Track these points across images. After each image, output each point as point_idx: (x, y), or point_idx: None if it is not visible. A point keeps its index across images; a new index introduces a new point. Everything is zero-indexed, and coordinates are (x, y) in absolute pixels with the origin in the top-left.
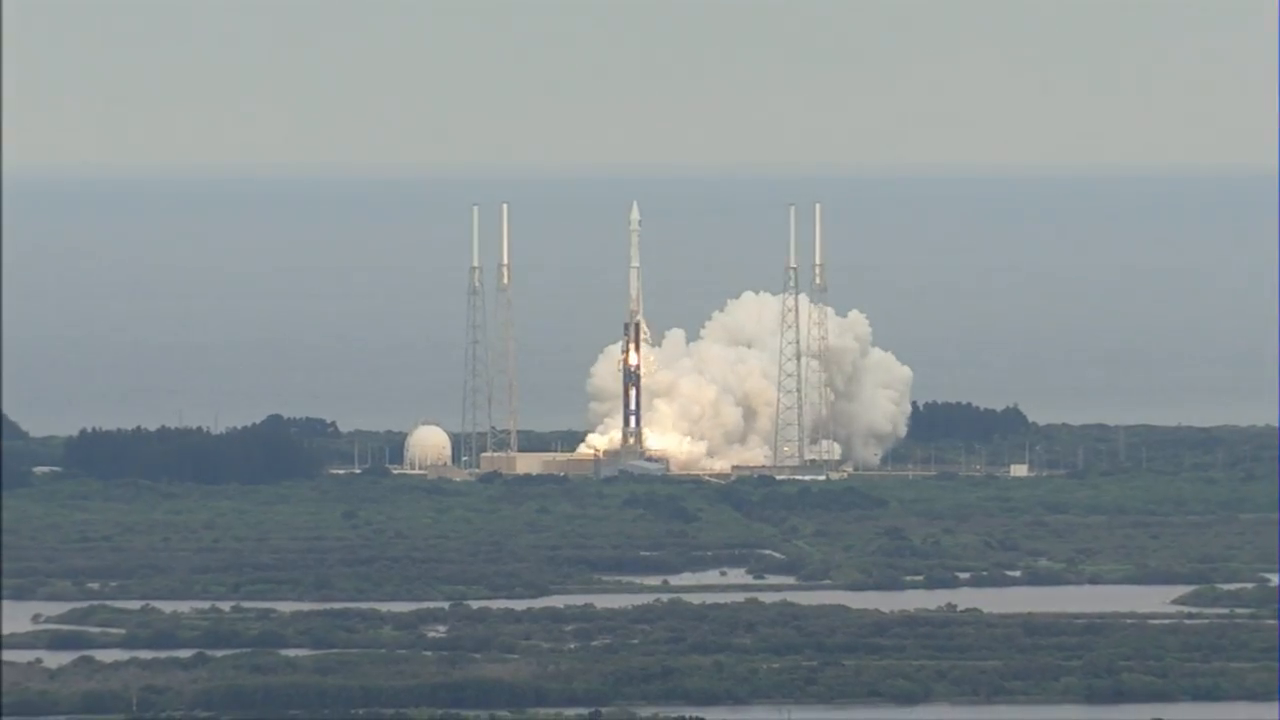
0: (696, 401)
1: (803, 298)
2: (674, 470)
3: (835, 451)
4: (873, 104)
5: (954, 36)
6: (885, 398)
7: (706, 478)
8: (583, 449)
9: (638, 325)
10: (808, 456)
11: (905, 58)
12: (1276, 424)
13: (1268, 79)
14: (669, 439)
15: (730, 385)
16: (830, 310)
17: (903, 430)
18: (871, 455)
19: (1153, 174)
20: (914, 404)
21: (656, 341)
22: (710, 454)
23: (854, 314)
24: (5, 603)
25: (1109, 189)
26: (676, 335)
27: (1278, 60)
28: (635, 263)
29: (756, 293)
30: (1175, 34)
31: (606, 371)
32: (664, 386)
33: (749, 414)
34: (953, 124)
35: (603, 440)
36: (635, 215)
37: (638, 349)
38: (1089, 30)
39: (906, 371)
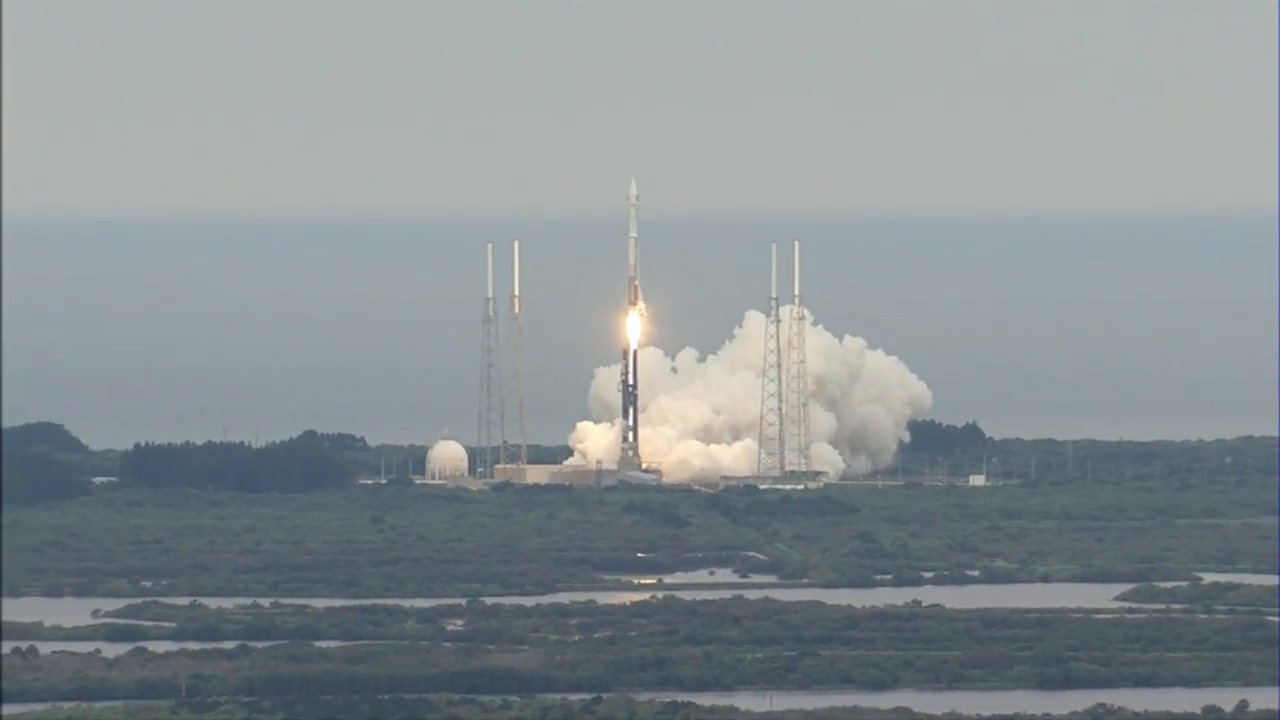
0: (692, 413)
1: (784, 324)
2: (666, 479)
3: (836, 461)
4: (859, 147)
5: (933, 79)
6: (881, 414)
7: (696, 487)
8: (576, 447)
9: (635, 288)
10: (793, 467)
11: (888, 98)
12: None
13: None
14: (662, 433)
15: (724, 405)
16: (827, 334)
17: (893, 446)
18: (870, 464)
19: (1110, 215)
20: None
21: (651, 313)
22: (700, 454)
23: (849, 339)
24: (68, 599)
25: (1072, 227)
26: (689, 354)
27: None
28: (633, 234)
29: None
30: (1141, 77)
31: (608, 384)
32: (663, 405)
33: (737, 430)
34: (926, 167)
35: (599, 442)
36: (634, 191)
37: (635, 302)
38: (1068, 72)
39: (915, 389)
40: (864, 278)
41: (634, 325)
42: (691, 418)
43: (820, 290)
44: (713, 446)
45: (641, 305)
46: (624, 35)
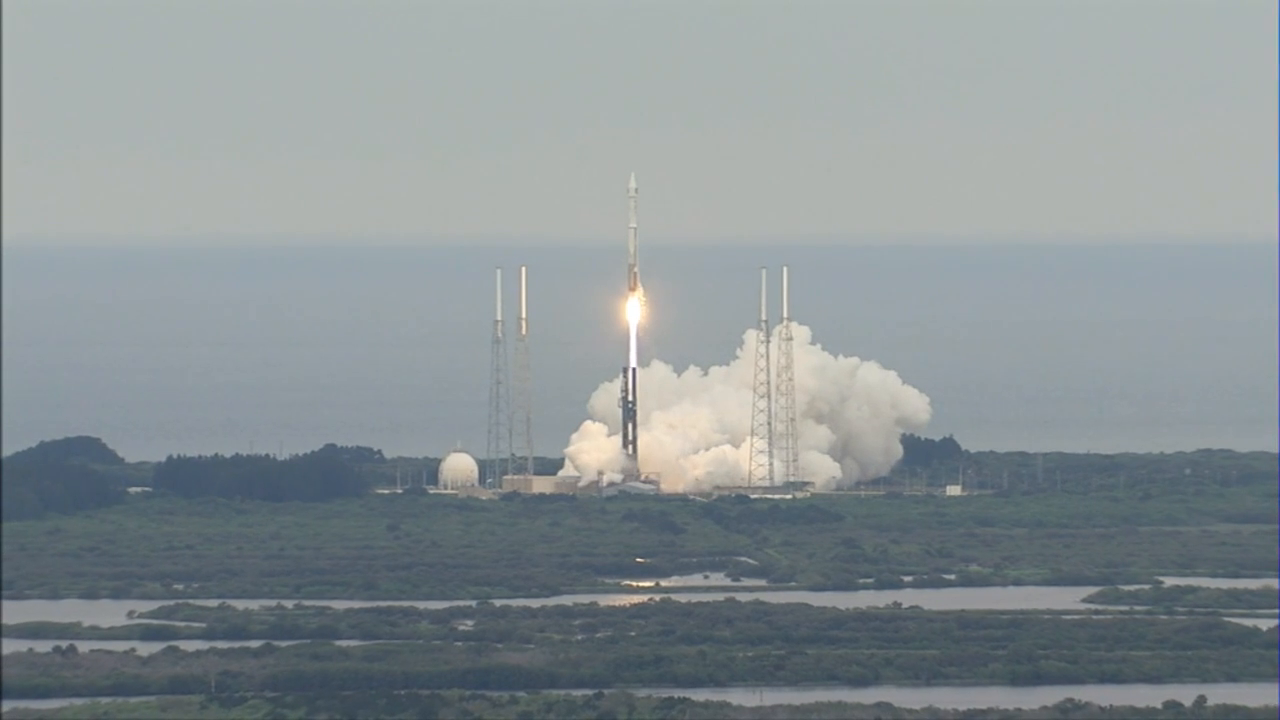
0: (692, 425)
1: (774, 344)
2: (663, 488)
3: (833, 470)
4: (849, 176)
5: (923, 109)
6: (870, 428)
7: (691, 496)
8: (570, 452)
9: (635, 275)
10: (787, 477)
11: (876, 128)
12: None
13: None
14: (658, 438)
15: (725, 419)
16: (824, 354)
17: (883, 458)
18: (862, 474)
19: (1087, 242)
20: None
21: (648, 295)
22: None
23: (842, 359)
24: (105, 601)
25: (1047, 254)
26: (694, 371)
27: None
28: (633, 224)
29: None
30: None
31: (608, 398)
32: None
33: (736, 443)
34: (919, 195)
35: (596, 443)
36: (633, 184)
37: (634, 288)
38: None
39: (907, 405)
40: (854, 301)
41: (633, 309)
42: (696, 429)
43: (815, 312)
44: (726, 449)
45: (640, 292)
46: (626, 69)
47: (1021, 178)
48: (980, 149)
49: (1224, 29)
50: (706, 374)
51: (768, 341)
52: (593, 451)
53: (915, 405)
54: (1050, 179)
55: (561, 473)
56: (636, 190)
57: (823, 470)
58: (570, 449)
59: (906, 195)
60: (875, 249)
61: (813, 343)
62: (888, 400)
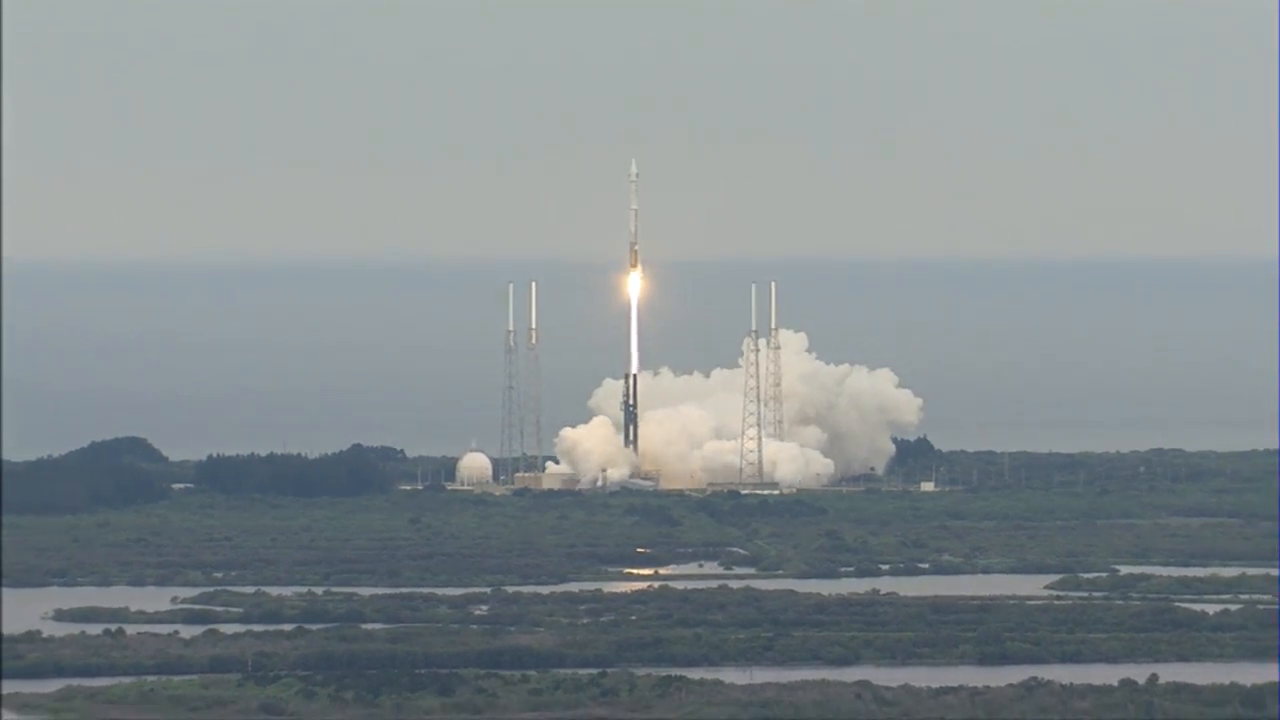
0: (690, 425)
1: (763, 354)
2: (661, 485)
3: (828, 468)
4: (839, 195)
5: (924, 126)
6: (858, 430)
7: (687, 492)
8: (562, 449)
9: (635, 252)
10: (759, 476)
11: (863, 151)
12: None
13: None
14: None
15: (722, 420)
16: (818, 362)
17: (873, 455)
18: (851, 470)
19: (1059, 260)
20: None
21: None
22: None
23: (832, 367)
24: (150, 588)
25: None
26: (696, 374)
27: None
28: (634, 206)
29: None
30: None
31: (609, 393)
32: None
33: (729, 439)
34: (913, 214)
35: (594, 434)
36: (634, 170)
37: (635, 265)
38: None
39: (897, 410)
40: (849, 310)
41: (634, 284)
42: (693, 429)
43: (812, 320)
44: (720, 448)
45: (640, 268)
46: (629, 102)
47: (1006, 198)
48: (965, 170)
49: (1222, 44)
50: (709, 376)
51: (756, 350)
52: (588, 441)
53: (904, 407)
54: (1031, 200)
55: (558, 468)
56: (637, 175)
57: (819, 466)
58: (568, 435)
59: (901, 214)
60: (869, 264)
61: (809, 349)
62: (875, 404)
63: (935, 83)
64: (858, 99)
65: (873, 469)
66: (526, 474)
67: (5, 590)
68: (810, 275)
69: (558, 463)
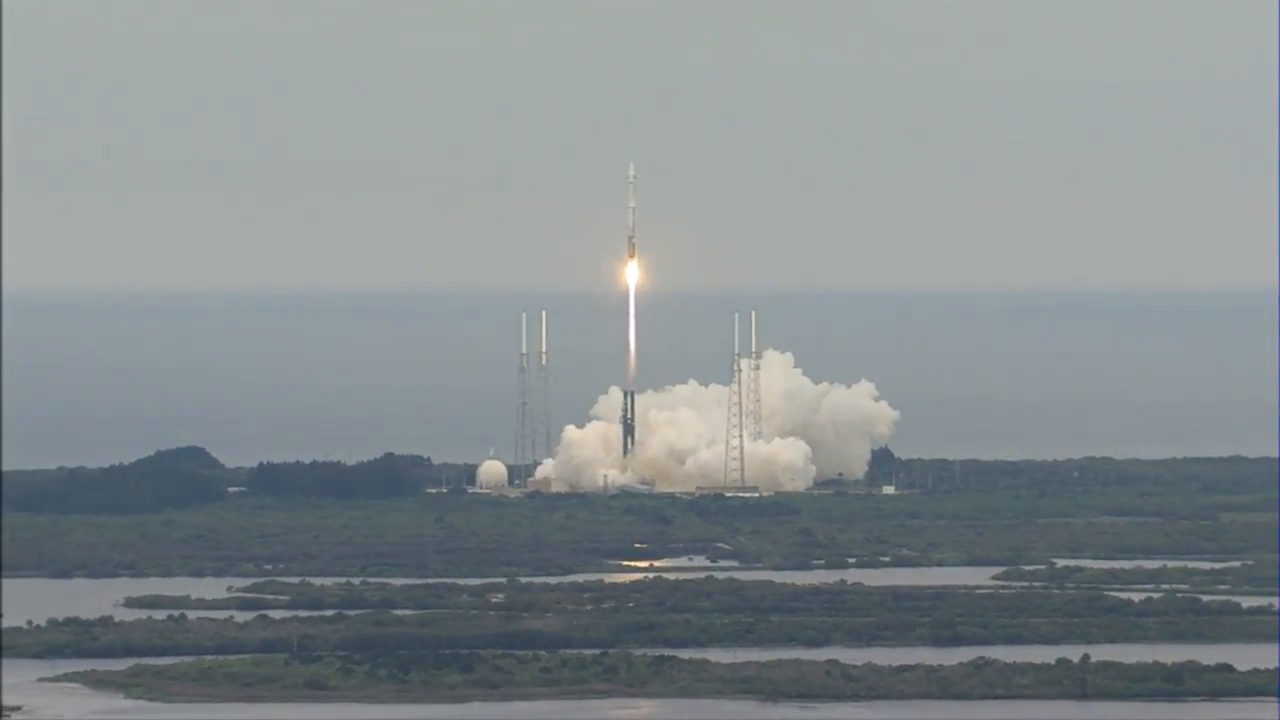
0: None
1: (745, 374)
2: (656, 488)
3: (810, 474)
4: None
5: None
6: (834, 441)
7: (678, 494)
8: (564, 450)
9: (633, 244)
10: (742, 482)
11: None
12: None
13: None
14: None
15: (714, 431)
16: (805, 379)
17: (853, 464)
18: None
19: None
20: None
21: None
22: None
23: (813, 385)
24: (209, 579)
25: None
26: (693, 385)
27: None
28: (632, 204)
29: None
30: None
31: (609, 402)
32: (658, 421)
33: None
34: (896, 249)
35: (597, 432)
36: (632, 171)
37: (633, 256)
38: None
39: (874, 424)
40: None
41: (632, 273)
42: (685, 439)
43: (794, 345)
44: (707, 456)
45: (638, 259)
46: (631, 141)
47: (986, 235)
48: (937, 208)
49: (1221, 72)
50: (707, 388)
51: (739, 370)
52: (586, 443)
53: (881, 420)
54: (1001, 235)
55: (541, 471)
56: (635, 176)
57: (802, 474)
58: (571, 433)
59: (886, 250)
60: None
61: (796, 366)
62: (850, 417)
63: (921, 121)
64: (844, 140)
65: (840, 474)
66: (538, 479)
67: (82, 580)
68: (796, 304)
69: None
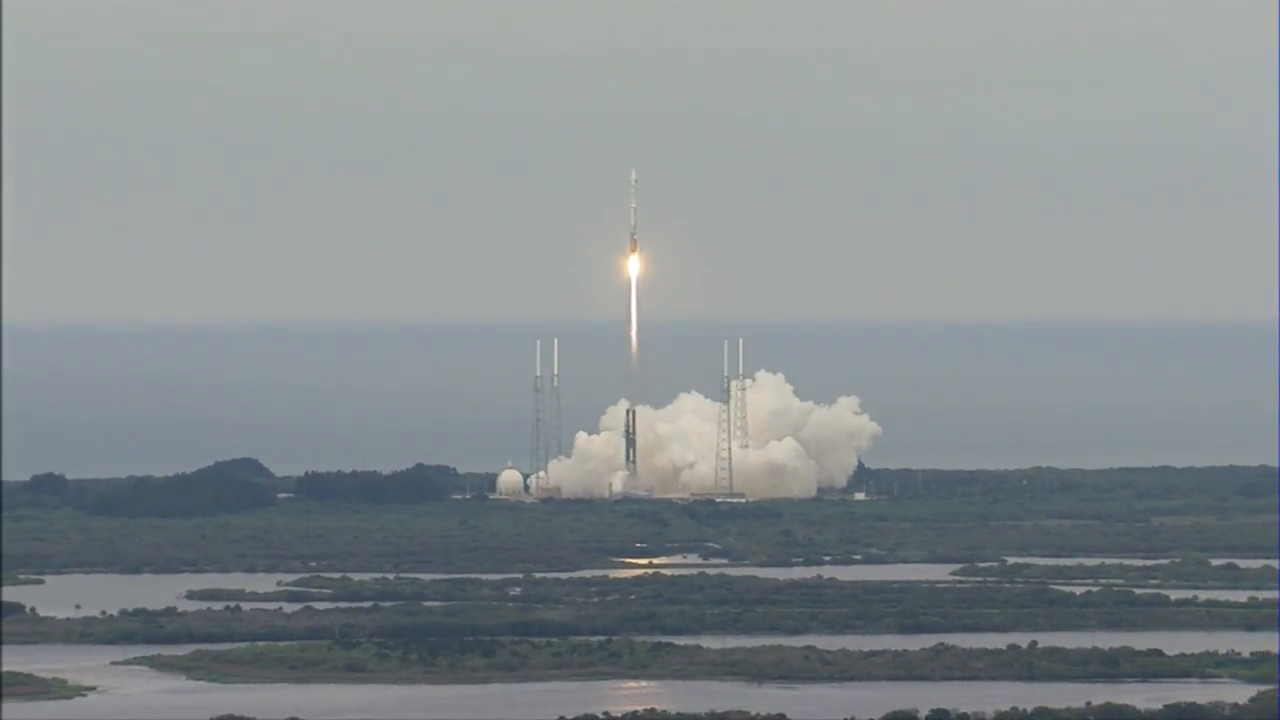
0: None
1: (733, 395)
2: (655, 494)
3: (808, 480)
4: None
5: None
6: (821, 452)
7: (674, 499)
8: (578, 450)
9: (635, 239)
10: (730, 489)
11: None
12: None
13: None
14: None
15: (695, 443)
16: (794, 398)
17: (845, 480)
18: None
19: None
20: None
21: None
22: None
23: (800, 403)
24: (261, 574)
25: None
26: (696, 398)
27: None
28: (633, 204)
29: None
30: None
31: (618, 418)
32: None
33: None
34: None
35: (605, 441)
36: (634, 177)
37: (635, 250)
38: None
39: (857, 436)
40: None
41: (634, 265)
42: (681, 453)
43: (785, 367)
44: (700, 467)
45: (639, 252)
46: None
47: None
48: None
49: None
50: (709, 400)
51: (729, 393)
52: (598, 445)
53: (863, 433)
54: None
55: (568, 462)
56: (636, 181)
57: (798, 478)
58: (582, 439)
59: (874, 281)
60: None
61: (789, 383)
62: (828, 433)
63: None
64: (843, 178)
65: (832, 485)
66: (550, 487)
67: (149, 575)
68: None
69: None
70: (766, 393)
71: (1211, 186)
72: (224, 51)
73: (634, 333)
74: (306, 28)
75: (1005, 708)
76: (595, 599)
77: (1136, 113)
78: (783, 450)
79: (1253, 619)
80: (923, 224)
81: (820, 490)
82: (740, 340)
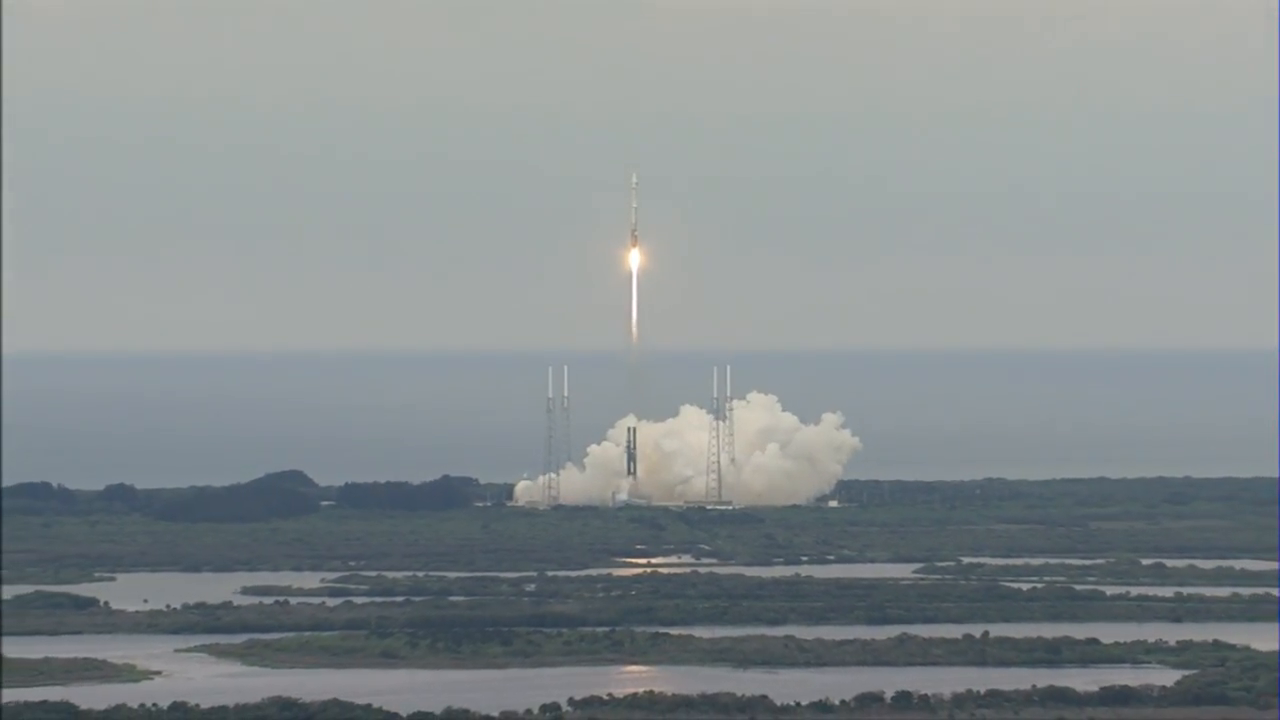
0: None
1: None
2: (654, 502)
3: (796, 489)
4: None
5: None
6: (805, 464)
7: (670, 507)
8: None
9: (635, 235)
10: (721, 498)
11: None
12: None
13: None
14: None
15: (690, 453)
16: (785, 415)
17: (830, 488)
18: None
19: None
20: None
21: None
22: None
23: (787, 418)
24: (306, 572)
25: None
26: (694, 408)
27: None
28: (635, 204)
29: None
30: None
31: (622, 433)
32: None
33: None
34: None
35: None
36: (635, 179)
37: (635, 244)
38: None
39: (840, 450)
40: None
41: (634, 258)
42: (677, 465)
43: (775, 388)
44: (694, 479)
45: (639, 246)
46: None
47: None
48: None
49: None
50: (709, 413)
51: (718, 414)
52: (606, 454)
53: (844, 447)
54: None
55: (582, 475)
56: (637, 183)
57: (784, 489)
58: (593, 450)
59: (859, 313)
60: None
61: (782, 406)
62: (810, 448)
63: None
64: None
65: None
66: (559, 482)
67: (208, 573)
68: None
69: (582, 469)
70: (758, 410)
71: (1112, 225)
72: (254, 82)
73: (634, 329)
74: (322, 56)
75: (961, 690)
76: (600, 594)
77: (1097, 161)
78: (770, 461)
79: (1178, 611)
80: (906, 258)
81: (817, 498)
82: (728, 367)
